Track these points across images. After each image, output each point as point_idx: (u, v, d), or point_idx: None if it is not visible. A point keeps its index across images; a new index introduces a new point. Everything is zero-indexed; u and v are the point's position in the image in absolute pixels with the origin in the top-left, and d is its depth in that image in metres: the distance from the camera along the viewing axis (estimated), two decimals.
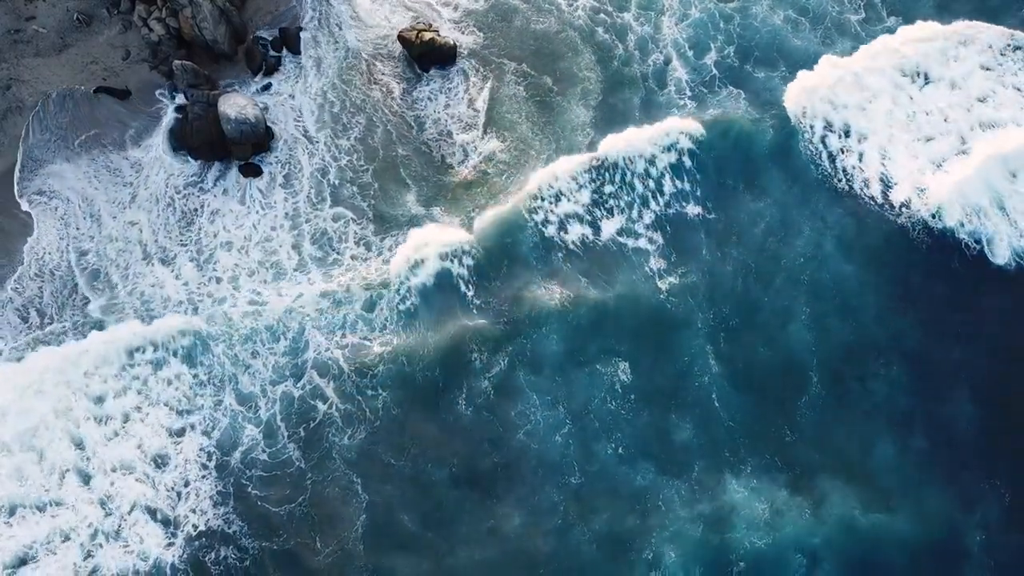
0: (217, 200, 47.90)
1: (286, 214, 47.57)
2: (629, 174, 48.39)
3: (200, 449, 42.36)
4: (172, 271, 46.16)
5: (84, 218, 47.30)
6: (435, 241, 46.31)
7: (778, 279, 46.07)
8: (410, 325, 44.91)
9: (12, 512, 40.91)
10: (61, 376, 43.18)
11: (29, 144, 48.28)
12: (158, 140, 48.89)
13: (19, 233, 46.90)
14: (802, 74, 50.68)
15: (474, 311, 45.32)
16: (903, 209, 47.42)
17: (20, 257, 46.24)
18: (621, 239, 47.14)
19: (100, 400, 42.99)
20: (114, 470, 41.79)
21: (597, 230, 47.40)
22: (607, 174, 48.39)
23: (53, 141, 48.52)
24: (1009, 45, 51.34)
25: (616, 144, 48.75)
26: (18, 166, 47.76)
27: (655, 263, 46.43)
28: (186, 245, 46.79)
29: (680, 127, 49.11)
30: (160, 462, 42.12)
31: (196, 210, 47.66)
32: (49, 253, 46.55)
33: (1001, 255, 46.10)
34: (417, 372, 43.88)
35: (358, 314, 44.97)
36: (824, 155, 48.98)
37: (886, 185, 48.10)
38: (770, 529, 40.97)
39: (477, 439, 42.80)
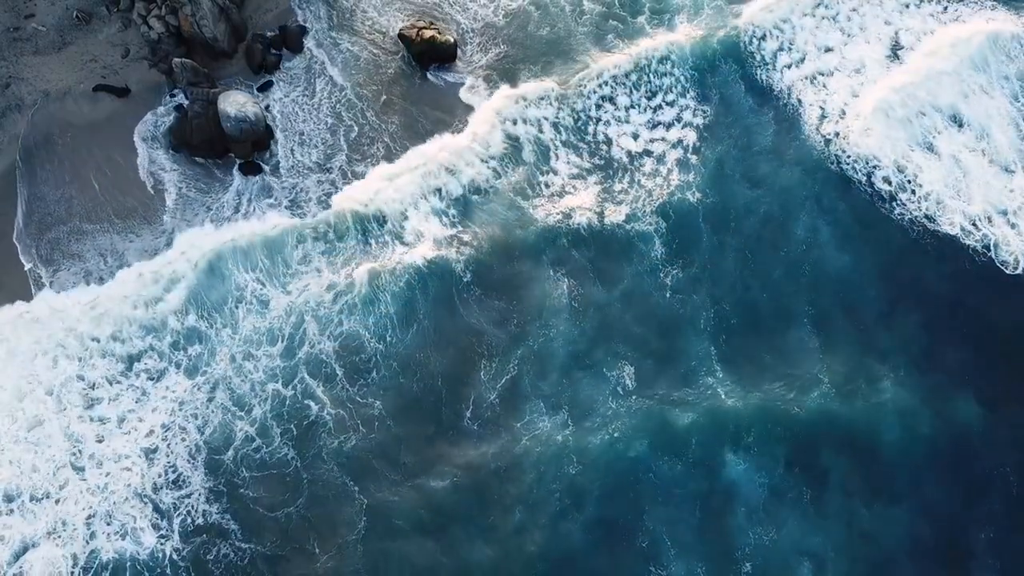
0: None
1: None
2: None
3: (193, 446, 42.07)
4: None
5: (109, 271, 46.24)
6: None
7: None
8: (409, 316, 44.69)
9: (11, 501, 40.98)
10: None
11: (44, 200, 46.99)
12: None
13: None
14: None
15: (472, 305, 45.11)
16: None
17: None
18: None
19: (93, 393, 42.97)
20: (109, 462, 41.78)
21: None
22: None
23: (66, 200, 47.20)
24: None
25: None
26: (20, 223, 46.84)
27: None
28: None
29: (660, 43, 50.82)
30: (153, 457, 41.90)
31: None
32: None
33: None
34: (414, 380, 43.49)
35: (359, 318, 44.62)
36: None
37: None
38: (773, 525, 40.65)
39: (473, 436, 42.48)
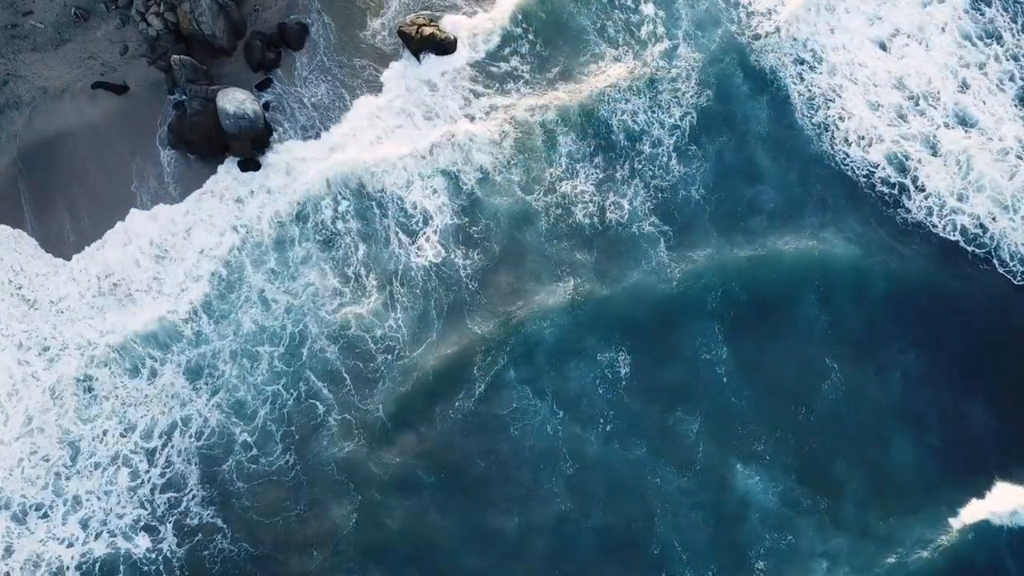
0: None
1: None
2: None
3: (192, 447, 42.16)
4: None
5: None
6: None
7: None
8: (413, 317, 44.77)
9: (7, 507, 41.11)
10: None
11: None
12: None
13: None
14: None
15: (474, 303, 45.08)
16: None
17: None
18: None
19: (90, 388, 43.26)
20: (107, 461, 41.96)
21: None
22: None
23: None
24: None
25: None
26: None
27: None
28: None
29: None
30: (151, 457, 41.98)
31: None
32: None
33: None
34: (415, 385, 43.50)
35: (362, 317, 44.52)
36: None
37: None
38: (784, 528, 40.70)
39: (471, 441, 42.46)
